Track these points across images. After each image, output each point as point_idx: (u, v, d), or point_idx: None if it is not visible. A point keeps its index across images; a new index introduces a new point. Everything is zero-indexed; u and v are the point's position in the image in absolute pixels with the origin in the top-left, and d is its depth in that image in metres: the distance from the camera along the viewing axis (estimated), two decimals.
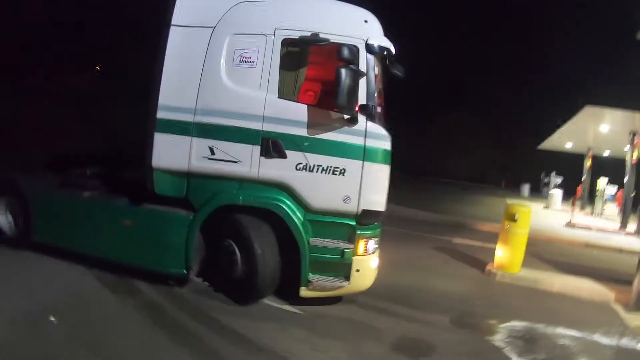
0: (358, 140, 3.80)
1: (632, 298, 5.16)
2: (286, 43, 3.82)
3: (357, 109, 3.72)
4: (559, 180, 23.36)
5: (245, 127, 3.81)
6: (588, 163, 19.14)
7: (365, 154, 3.82)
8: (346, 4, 4.07)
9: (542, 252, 8.13)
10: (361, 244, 3.92)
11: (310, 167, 3.79)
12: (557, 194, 19.26)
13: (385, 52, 3.97)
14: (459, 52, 36.41)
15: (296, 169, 3.80)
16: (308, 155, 3.79)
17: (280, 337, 3.43)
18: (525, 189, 27.10)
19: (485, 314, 4.57)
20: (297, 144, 3.78)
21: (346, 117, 3.71)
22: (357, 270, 3.90)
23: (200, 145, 3.88)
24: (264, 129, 3.79)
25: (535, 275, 6.06)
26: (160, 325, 3.43)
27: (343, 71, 3.51)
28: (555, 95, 27.25)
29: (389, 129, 4.08)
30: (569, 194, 18.77)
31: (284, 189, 3.84)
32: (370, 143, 3.83)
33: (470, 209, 14.95)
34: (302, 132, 3.79)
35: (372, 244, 4.03)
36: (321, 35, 3.74)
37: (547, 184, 24.11)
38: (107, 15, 4.96)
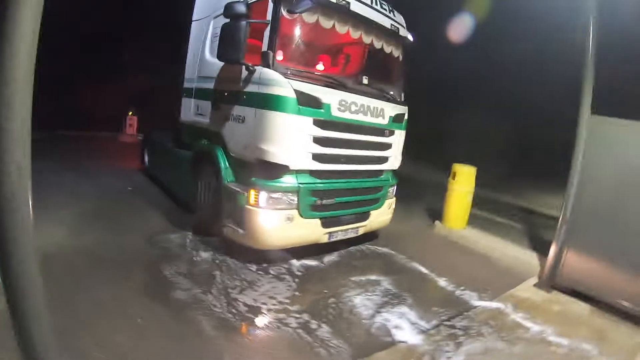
0: (253, 88, 3.88)
1: (544, 272, 4.55)
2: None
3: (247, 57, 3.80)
4: None
5: (206, 87, 4.77)
6: None
7: (255, 101, 3.86)
8: None
9: None
10: (252, 194, 3.82)
11: (229, 116, 4.21)
12: None
13: None
14: None
15: (225, 118, 4.28)
16: (230, 106, 4.20)
17: None
18: None
19: None
20: (225, 97, 4.34)
21: (244, 67, 3.88)
22: (249, 221, 3.84)
23: (195, 104, 5.07)
24: (214, 87, 4.59)
25: (470, 234, 6.19)
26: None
27: (224, 26, 3.79)
28: None
29: (301, 72, 3.90)
30: None
31: (220, 137, 4.37)
32: (261, 89, 3.79)
33: None
34: (229, 86, 4.29)
35: (265, 197, 3.79)
36: None
37: None
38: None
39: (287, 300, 3.61)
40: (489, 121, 10.81)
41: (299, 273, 4.18)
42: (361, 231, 4.82)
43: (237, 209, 3.93)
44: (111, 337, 2.77)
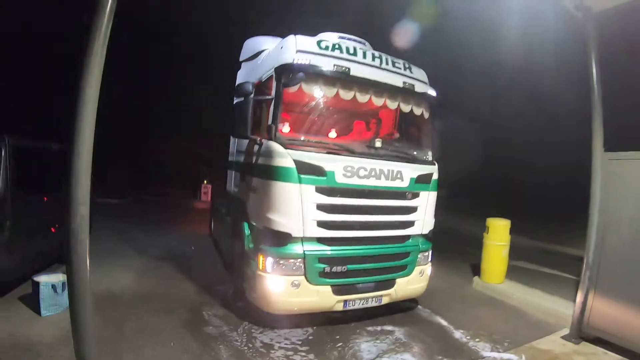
0: (260, 160, 4.11)
1: (572, 322, 4.36)
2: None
3: (263, 133, 4.09)
4: None
5: (238, 161, 5.20)
6: None
7: (261, 172, 4.11)
8: (286, 37, 4.15)
9: None
10: (260, 259, 3.96)
11: (249, 187, 4.44)
12: None
13: (290, 70, 3.87)
14: None
15: (247, 189, 4.53)
16: (250, 178, 4.49)
17: None
18: None
19: None
20: (246, 169, 4.67)
21: (253, 141, 4.22)
22: (258, 285, 4.00)
23: (234, 175, 5.53)
24: (242, 161, 4.94)
25: (507, 287, 6.13)
26: None
27: (235, 104, 4.12)
28: None
29: (300, 143, 3.98)
30: None
31: (245, 206, 4.59)
32: (265, 161, 3.96)
33: None
34: (248, 159, 4.57)
35: (271, 263, 3.89)
36: (263, 77, 4.41)
37: None
38: None
39: (299, 342, 4.10)
40: (540, 165, 10.62)
41: (318, 320, 4.51)
42: (385, 300, 4.52)
43: (251, 273, 4.19)
44: (143, 350, 3.64)
